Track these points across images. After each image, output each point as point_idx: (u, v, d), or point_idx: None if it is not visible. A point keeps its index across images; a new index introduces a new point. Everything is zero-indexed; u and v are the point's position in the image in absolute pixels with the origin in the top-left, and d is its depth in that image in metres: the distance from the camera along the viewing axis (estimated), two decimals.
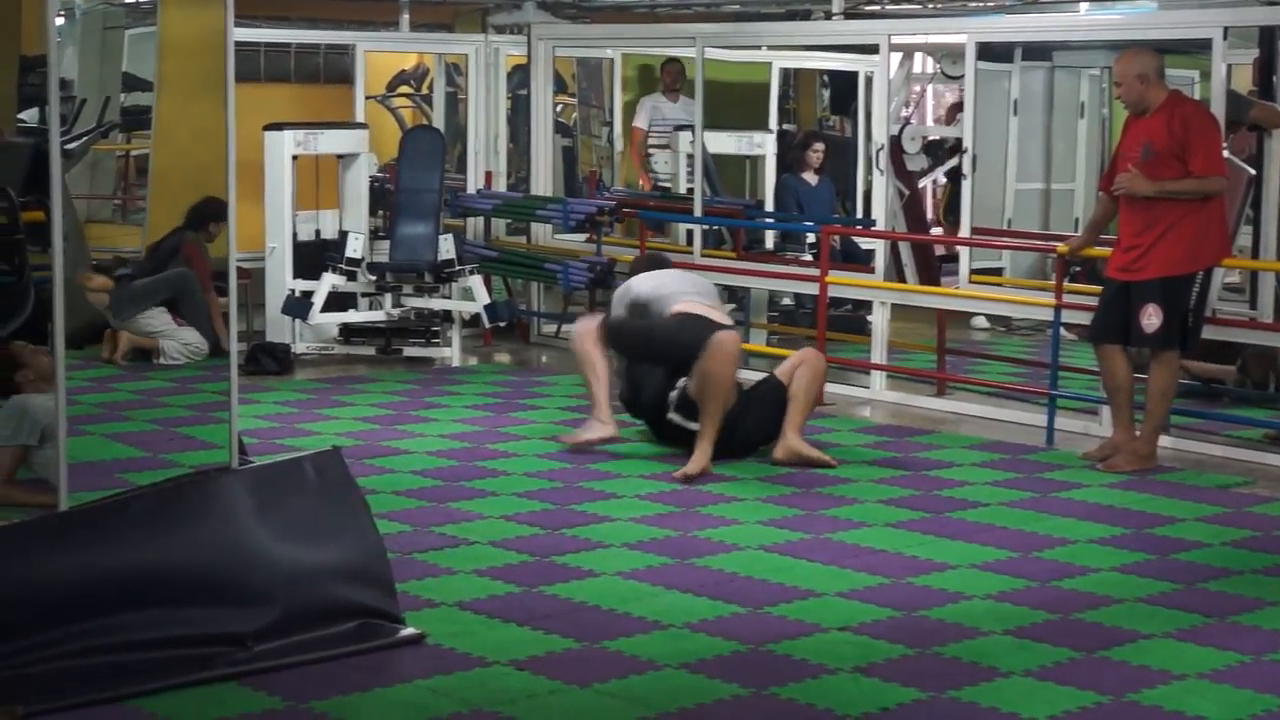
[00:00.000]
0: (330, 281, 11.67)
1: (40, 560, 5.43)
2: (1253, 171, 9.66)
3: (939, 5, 14.01)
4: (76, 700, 5.19)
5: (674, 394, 8.96)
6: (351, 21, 14.77)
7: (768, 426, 8.86)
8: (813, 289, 11.13)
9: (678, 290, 9.39)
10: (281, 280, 11.86)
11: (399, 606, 5.99)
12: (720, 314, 9.36)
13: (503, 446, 9.16)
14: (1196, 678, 5.64)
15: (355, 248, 11.72)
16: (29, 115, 13.87)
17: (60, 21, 15.13)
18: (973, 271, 10.90)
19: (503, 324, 12.38)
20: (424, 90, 15.59)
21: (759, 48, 14.57)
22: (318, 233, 12.43)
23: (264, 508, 5.79)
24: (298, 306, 11.62)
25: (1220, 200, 8.73)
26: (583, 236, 12.76)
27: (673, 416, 8.96)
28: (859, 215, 13.89)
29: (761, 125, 14.85)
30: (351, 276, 11.73)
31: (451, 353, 11.97)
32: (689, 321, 9.03)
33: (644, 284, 9.46)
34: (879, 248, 11.36)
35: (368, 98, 13.61)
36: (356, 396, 10.58)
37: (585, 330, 9.29)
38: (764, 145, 14.66)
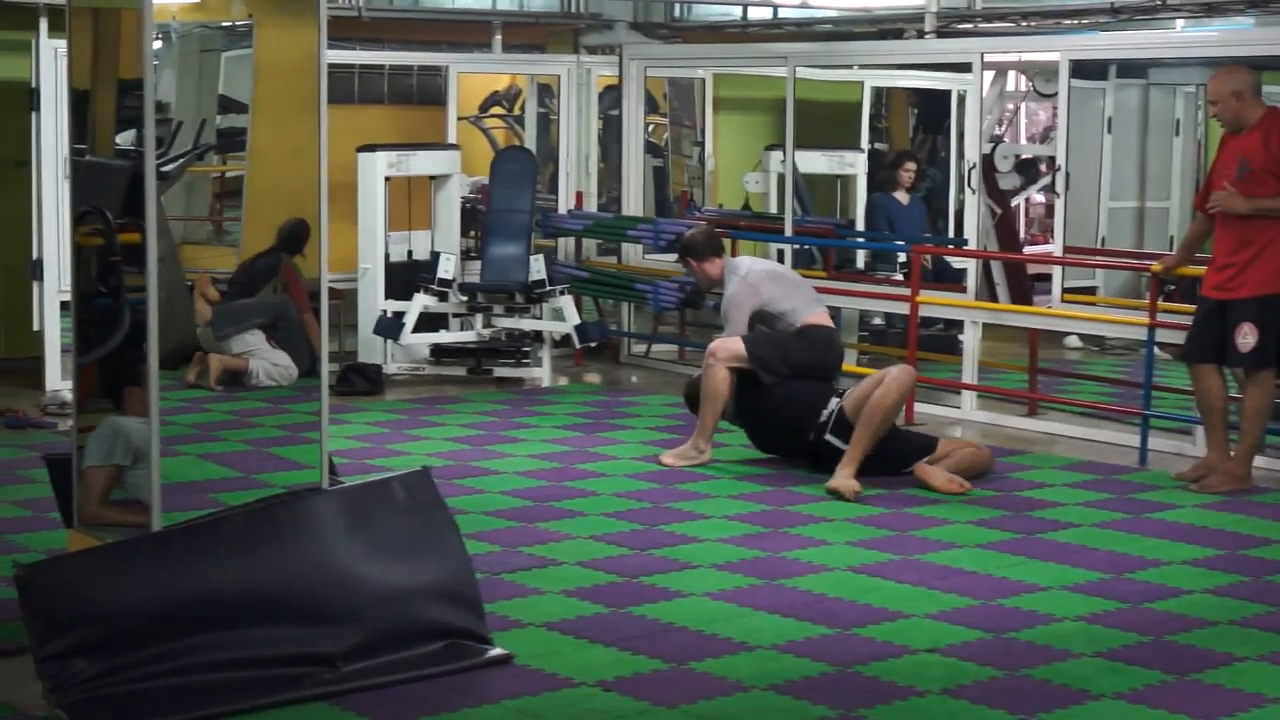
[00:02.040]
0: (422, 302, 11.73)
1: (132, 580, 5.49)
2: None
3: (1032, 23, 13.93)
4: (167, 719, 5.24)
5: (827, 414, 8.97)
6: (444, 43, 14.85)
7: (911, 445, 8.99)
8: (904, 308, 11.09)
9: (798, 296, 9.44)
10: (373, 301, 11.94)
11: (487, 627, 6.01)
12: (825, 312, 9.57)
13: (592, 467, 9.17)
14: None
15: (447, 268, 11.78)
16: (124, 138, 14.03)
17: (158, 45, 15.29)
18: (1065, 290, 10.83)
19: (593, 344, 12.41)
20: (516, 111, 15.64)
21: (850, 67, 14.54)
22: (410, 253, 12.51)
23: (353, 528, 5.82)
24: (389, 327, 11.69)
25: None
26: (673, 257, 12.75)
27: (830, 438, 8.93)
28: (950, 234, 13.84)
29: (853, 144, 14.82)
30: (443, 297, 11.79)
31: (542, 373, 12.01)
32: (823, 335, 9.34)
33: (769, 290, 9.39)
34: (971, 267, 11.30)
35: (460, 118, 13.68)
36: (447, 417, 10.62)
37: (725, 355, 9.13)
38: (855, 164, 14.64)
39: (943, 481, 8.59)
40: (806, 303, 9.46)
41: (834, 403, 9.02)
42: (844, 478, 8.57)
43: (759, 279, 9.44)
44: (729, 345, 9.15)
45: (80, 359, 6.60)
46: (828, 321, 9.55)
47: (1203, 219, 9.00)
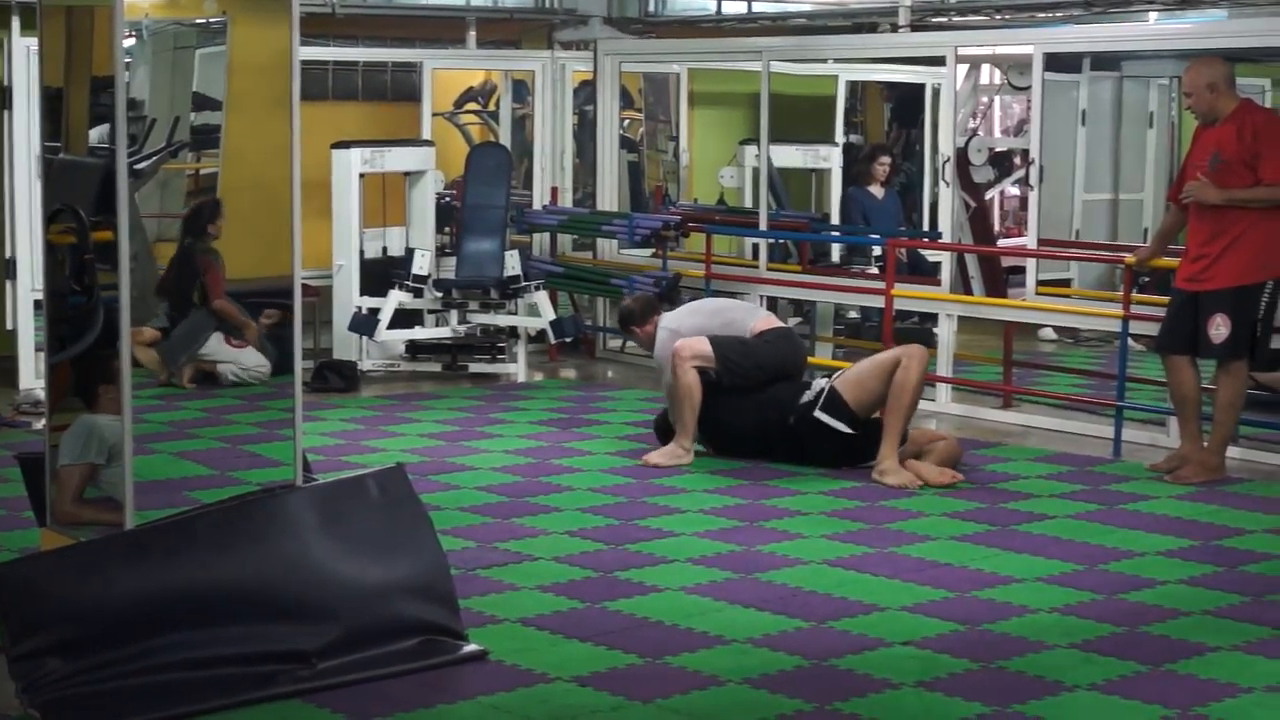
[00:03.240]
0: (397, 299, 11.73)
1: (106, 578, 5.48)
2: None
3: (1006, 16, 13.95)
4: (142, 718, 5.23)
5: (810, 395, 9.01)
6: (418, 39, 14.83)
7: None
8: (879, 302, 11.10)
9: (728, 316, 9.54)
10: (348, 298, 11.93)
11: (462, 623, 6.01)
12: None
13: (567, 462, 9.17)
14: (1264, 691, 5.59)
15: (422, 265, 11.77)
16: (97, 135, 13.98)
17: (130, 42, 15.24)
18: (1040, 283, 10.84)
19: (568, 340, 12.41)
20: (491, 107, 15.63)
21: (825, 61, 14.55)
22: (384, 250, 12.50)
23: (328, 525, 5.82)
24: (364, 324, 11.68)
25: None
26: (648, 251, 12.77)
27: (821, 415, 8.93)
28: (925, 228, 13.85)
29: (828, 138, 14.83)
30: (418, 293, 11.78)
31: (517, 369, 12.00)
32: (780, 333, 9.45)
33: (689, 324, 9.46)
34: (945, 260, 11.32)
35: (435, 115, 13.67)
36: (422, 413, 10.62)
37: (690, 354, 9.13)
38: (830, 158, 14.64)
39: (935, 475, 8.62)
40: (744, 315, 9.56)
41: (820, 383, 9.05)
42: (892, 470, 8.62)
43: (678, 320, 9.56)
44: (693, 345, 9.13)
45: (53, 358, 6.57)
46: (777, 323, 9.66)
47: (1176, 211, 9.03)
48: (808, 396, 9.00)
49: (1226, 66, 8.76)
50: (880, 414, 8.81)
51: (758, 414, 9.11)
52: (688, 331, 9.36)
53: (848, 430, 8.88)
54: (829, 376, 9.20)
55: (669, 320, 9.58)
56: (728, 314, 9.60)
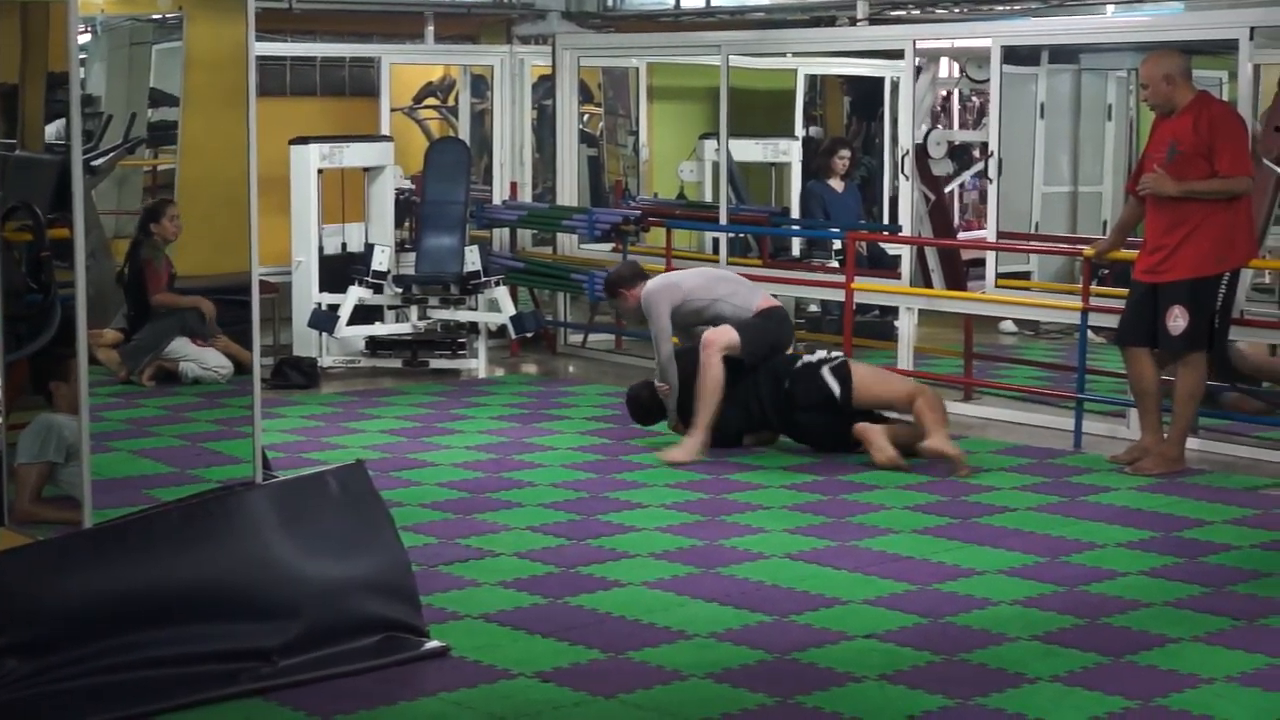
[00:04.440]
0: (356, 295, 11.69)
1: (65, 577, 5.44)
2: None
3: (964, 9, 13.97)
4: (101, 718, 5.20)
5: (813, 358, 9.17)
6: (376, 34, 14.80)
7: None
8: (839, 295, 11.11)
9: (728, 287, 9.56)
10: (308, 294, 11.88)
11: (424, 620, 5.99)
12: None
13: (529, 458, 9.16)
14: (1225, 681, 5.61)
15: (381, 260, 11.74)
16: (54, 131, 13.90)
17: (86, 38, 15.16)
18: (1000, 276, 10.87)
19: (529, 335, 12.39)
20: (450, 102, 15.60)
21: (784, 55, 14.56)
22: (344, 246, 12.46)
23: (288, 523, 5.79)
24: (324, 320, 11.64)
25: (1247, 201, 8.68)
26: (609, 246, 12.76)
27: (825, 373, 9.04)
28: (885, 221, 13.87)
29: (787, 132, 14.84)
30: (378, 289, 11.75)
31: (478, 364, 11.98)
32: (781, 315, 9.61)
33: (690, 281, 9.51)
34: (905, 253, 11.33)
35: (394, 110, 13.63)
36: (383, 410, 10.59)
37: (723, 344, 9.09)
38: (789, 152, 14.65)
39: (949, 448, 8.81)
40: (749, 292, 9.55)
41: (823, 353, 9.22)
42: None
43: (678, 276, 9.60)
44: (724, 335, 9.12)
45: (9, 356, 6.52)
46: (775, 302, 9.77)
47: (1134, 203, 9.05)
48: (809, 359, 9.12)
49: (1183, 58, 8.78)
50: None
51: (753, 390, 9.13)
52: (688, 287, 9.39)
53: (838, 397, 8.95)
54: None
55: (666, 276, 9.67)
56: (732, 283, 9.61)
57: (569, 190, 13.39)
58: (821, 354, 9.26)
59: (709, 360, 9.04)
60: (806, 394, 9.02)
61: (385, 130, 13.02)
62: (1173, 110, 8.70)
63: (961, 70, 14.08)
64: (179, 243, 12.18)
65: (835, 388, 8.97)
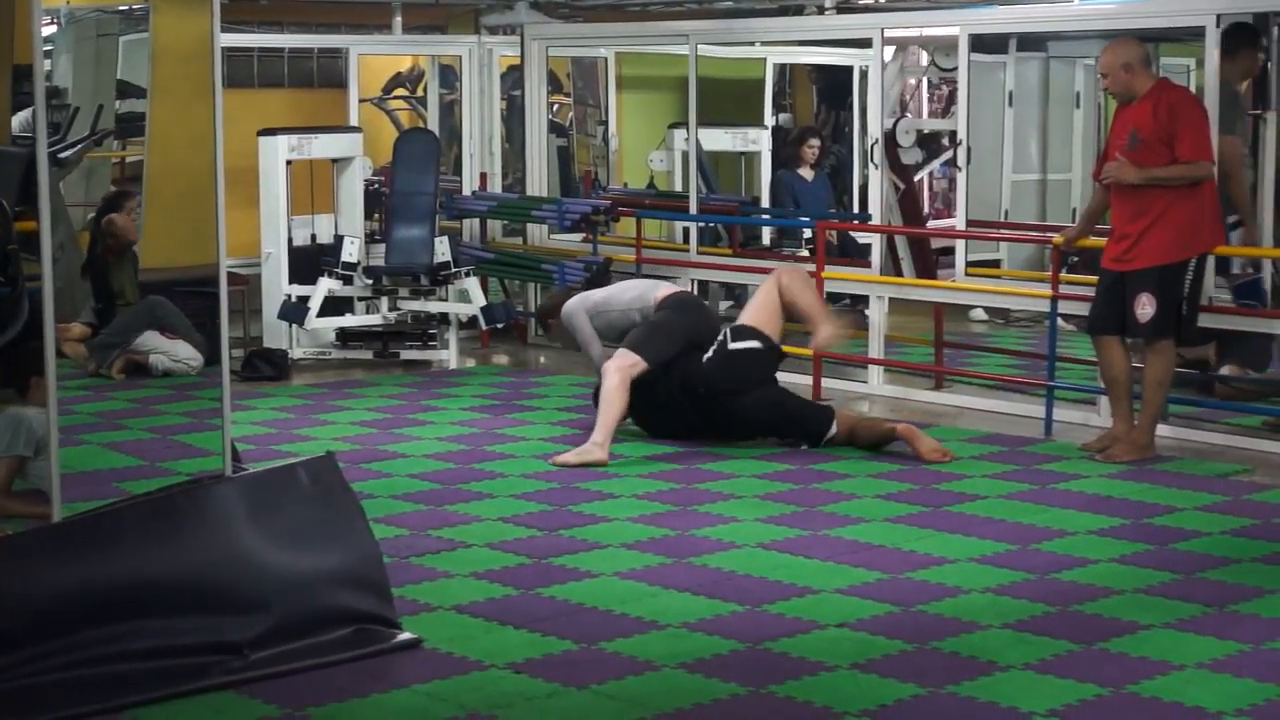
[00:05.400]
0: (326, 286, 11.66)
1: (35, 572, 5.42)
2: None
3: None
4: (72, 712, 5.18)
5: (721, 337, 9.14)
6: (344, 25, 14.77)
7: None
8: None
9: (632, 286, 9.79)
10: (278, 286, 11.85)
11: (395, 611, 5.98)
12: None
13: (500, 449, 9.14)
14: (1196, 668, 5.62)
15: (351, 252, 11.71)
16: (19, 123, 13.84)
17: (52, 29, 15.10)
18: (970, 264, 10.88)
19: (500, 326, 12.36)
20: (419, 93, 15.58)
21: (752, 44, 14.56)
22: (313, 237, 12.43)
23: (258, 515, 5.78)
24: (294, 312, 11.61)
25: (1211, 186, 8.70)
26: (579, 236, 12.75)
27: (735, 345, 9.07)
28: (855, 210, 13.88)
29: (757, 121, 14.84)
30: (348, 281, 11.72)
31: (449, 355, 11.96)
32: (680, 299, 9.61)
33: (597, 294, 9.77)
34: (875, 242, 11.34)
35: (362, 101, 13.60)
36: (354, 401, 10.57)
37: (623, 370, 9.01)
38: (759, 141, 14.65)
39: (929, 449, 8.79)
40: (649, 288, 9.69)
41: (724, 332, 9.25)
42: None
43: (589, 292, 9.90)
44: (620, 360, 9.05)
45: None
46: (678, 289, 9.89)
47: (1101, 191, 9.06)
48: (710, 352, 9.11)
49: (1142, 47, 8.80)
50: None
51: (682, 381, 9.12)
52: (597, 298, 9.64)
53: (760, 345, 9.05)
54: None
55: (576, 298, 9.84)
56: (634, 289, 9.77)
57: (539, 181, 13.37)
58: (713, 345, 9.18)
59: (605, 379, 9.04)
60: (730, 381, 9.01)
61: (354, 121, 12.98)
62: (1132, 98, 8.72)
63: (930, 59, 14.11)
64: (145, 230, 12.16)
65: (753, 343, 9.07)
